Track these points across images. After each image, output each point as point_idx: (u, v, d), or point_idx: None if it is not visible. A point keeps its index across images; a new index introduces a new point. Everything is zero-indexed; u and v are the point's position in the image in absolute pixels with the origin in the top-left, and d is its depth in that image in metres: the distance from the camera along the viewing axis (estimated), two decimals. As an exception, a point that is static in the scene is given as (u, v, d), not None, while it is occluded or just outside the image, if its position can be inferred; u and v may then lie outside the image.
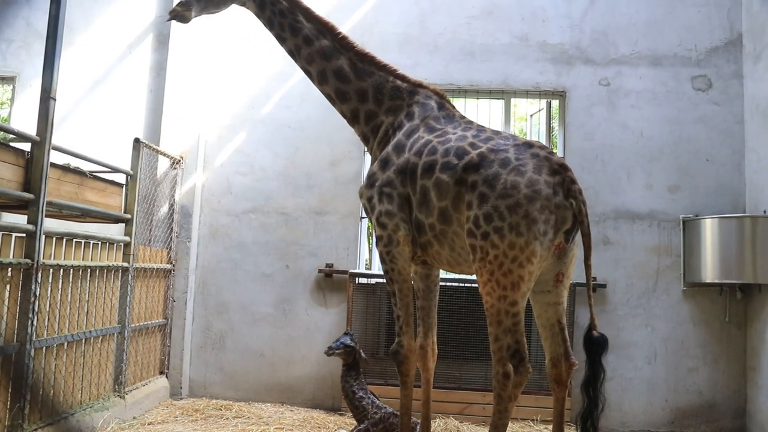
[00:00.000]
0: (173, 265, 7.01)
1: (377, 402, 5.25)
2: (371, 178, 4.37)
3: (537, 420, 6.27)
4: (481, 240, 3.71)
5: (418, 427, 4.86)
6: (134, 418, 5.91)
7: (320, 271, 7.02)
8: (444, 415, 6.25)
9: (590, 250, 3.85)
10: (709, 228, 6.44)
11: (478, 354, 6.44)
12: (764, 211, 6.29)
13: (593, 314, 3.91)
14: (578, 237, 3.89)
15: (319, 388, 6.89)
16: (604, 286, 6.73)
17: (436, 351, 4.62)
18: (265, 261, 7.15)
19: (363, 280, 6.97)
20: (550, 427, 4.29)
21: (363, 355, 5.46)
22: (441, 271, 4.67)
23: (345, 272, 6.93)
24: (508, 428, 3.89)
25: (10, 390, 4.33)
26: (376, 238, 4.35)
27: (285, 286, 7.10)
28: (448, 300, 6.48)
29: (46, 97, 4.65)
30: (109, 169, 5.92)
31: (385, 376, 6.41)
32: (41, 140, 4.60)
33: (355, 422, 5.49)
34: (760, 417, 6.24)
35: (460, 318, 6.53)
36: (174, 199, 7.04)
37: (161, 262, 6.79)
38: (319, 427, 5.94)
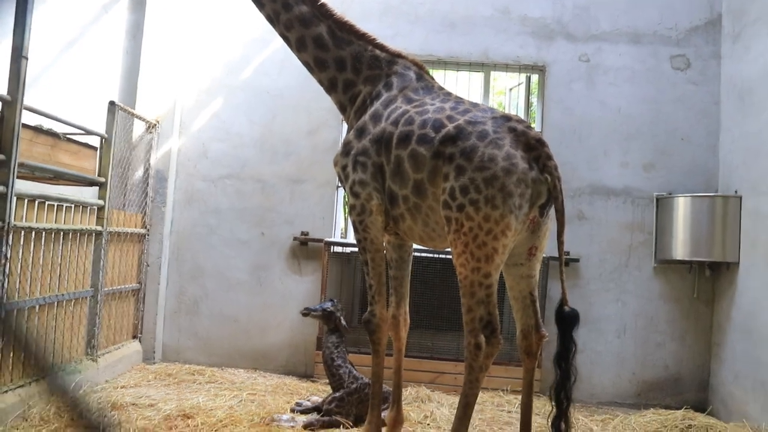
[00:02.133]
0: (148, 230, 6.97)
1: (354, 372, 5.26)
2: (347, 146, 4.33)
3: (507, 390, 6.36)
4: (457, 212, 3.70)
5: (389, 395, 4.89)
6: (107, 381, 5.91)
7: (295, 239, 7.02)
8: (416, 383, 6.27)
9: (564, 225, 3.86)
10: (681, 206, 6.52)
11: (450, 324, 6.49)
12: (735, 191, 6.37)
13: (565, 289, 3.93)
14: (552, 212, 3.92)
15: (293, 355, 6.93)
16: (577, 260, 6.81)
17: (409, 321, 4.62)
18: (240, 227, 7.12)
19: (338, 249, 6.98)
20: (519, 397, 4.34)
21: (344, 323, 5.46)
22: (414, 241, 4.67)
23: (320, 240, 6.93)
24: (478, 398, 3.94)
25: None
26: (349, 207, 4.32)
27: (260, 253, 7.09)
28: (422, 271, 6.52)
29: (18, 56, 4.53)
30: (84, 132, 5.81)
31: (358, 345, 6.45)
32: (12, 100, 4.49)
33: (328, 390, 5.52)
34: (721, 390, 6.41)
35: (434, 289, 6.56)
36: (149, 164, 6.97)
37: (135, 227, 6.74)
38: (292, 393, 5.98)
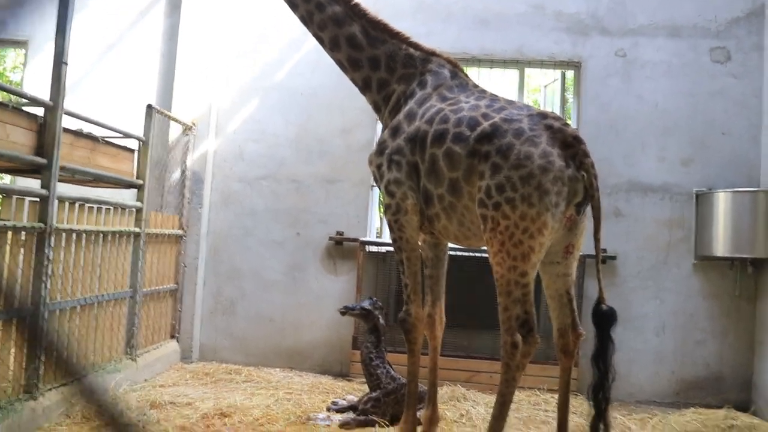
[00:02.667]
0: (185, 231, 7.05)
1: (392, 373, 5.25)
2: (381, 145, 4.33)
3: (543, 389, 6.31)
4: (493, 210, 3.67)
5: (425, 394, 4.87)
6: (145, 380, 5.99)
7: (331, 238, 7.04)
8: (451, 382, 6.27)
9: (600, 222, 3.82)
10: (722, 202, 6.38)
11: (486, 323, 6.41)
12: (779, 186, 6.22)
13: (602, 287, 3.88)
14: (589, 209, 3.88)
15: (328, 354, 6.95)
16: (614, 258, 6.72)
17: (444, 320, 4.61)
18: (276, 228, 7.16)
19: (373, 249, 7.00)
20: (556, 396, 4.30)
21: (382, 321, 5.43)
22: (450, 240, 4.65)
23: (355, 240, 6.95)
24: (514, 396, 3.92)
25: (25, 351, 4.39)
26: (385, 206, 4.32)
27: (295, 253, 7.12)
28: (458, 270, 6.47)
29: (59, 61, 4.63)
30: (122, 135, 5.91)
31: (394, 344, 6.42)
32: (54, 105, 4.59)
33: (364, 389, 5.52)
34: (766, 389, 6.24)
35: (470, 288, 6.53)
36: (186, 165, 7.05)
37: (173, 228, 6.82)
38: (327, 392, 6.00)
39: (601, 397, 3.76)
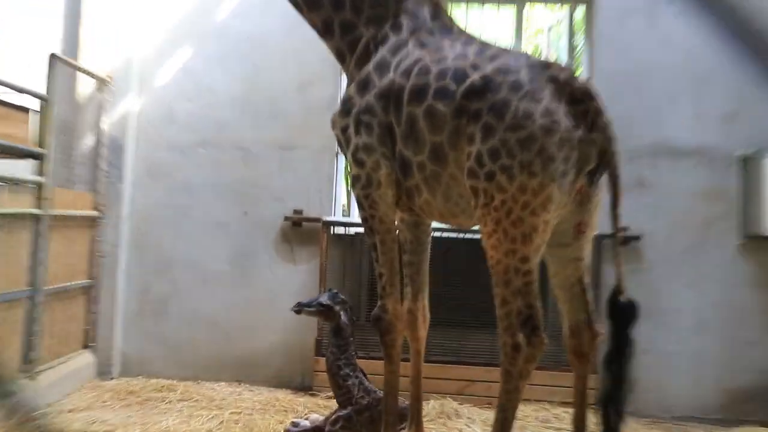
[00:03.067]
0: (101, 212, 6.98)
1: (366, 384, 5.21)
2: (347, 103, 4.38)
3: (554, 402, 6.38)
4: (485, 182, 3.70)
5: (407, 410, 4.87)
6: (49, 404, 5.88)
7: (287, 219, 7.08)
8: (440, 395, 6.35)
9: (619, 195, 3.84)
10: (773, 166, 6.39)
11: (481, 321, 6.44)
12: None
13: (621, 273, 3.87)
14: (605, 179, 3.90)
15: (286, 363, 6.99)
16: (638, 238, 6.74)
17: (428, 317, 4.70)
18: (217, 207, 7.17)
19: (340, 230, 7.09)
20: (570, 410, 4.37)
21: (345, 319, 5.34)
22: (433, 219, 4.68)
23: (317, 220, 6.99)
24: (518, 411, 3.93)
25: None
26: (353, 178, 4.38)
27: (243, 237, 7.15)
28: (444, 254, 6.53)
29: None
30: (16, 90, 5.84)
31: (366, 347, 6.43)
32: None
33: (332, 406, 5.51)
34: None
35: (460, 277, 6.58)
36: (101, 130, 6.98)
37: (85, 209, 6.79)
38: (285, 411, 6.04)
39: (611, 411, 3.78)
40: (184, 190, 7.19)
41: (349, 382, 5.20)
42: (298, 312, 5.39)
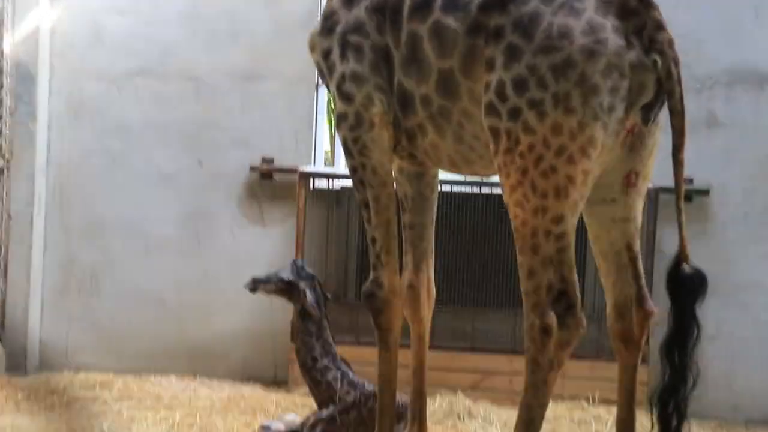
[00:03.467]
0: (8, 162, 6.96)
1: (351, 376, 5.25)
2: (329, 19, 4.30)
3: (593, 399, 6.45)
4: (509, 120, 3.59)
5: (407, 409, 4.83)
6: None
7: (253, 169, 7.11)
8: (449, 389, 6.43)
9: (684, 136, 3.70)
10: None
11: (501, 298, 6.57)
12: None
13: (684, 237, 3.78)
14: (665, 116, 3.89)
15: (254, 352, 7.08)
16: (706, 192, 6.73)
17: (434, 293, 4.67)
18: (163, 154, 7.16)
19: (322, 184, 7.09)
20: (614, 410, 4.39)
21: (311, 298, 5.35)
22: (441, 169, 4.65)
23: (293, 171, 7.01)
24: (547, 410, 3.93)
25: None
26: (337, 116, 4.33)
27: (197, 193, 7.18)
28: (454, 214, 6.54)
29: None
30: None
31: (356, 331, 6.54)
32: None
33: (311, 405, 5.55)
34: None
35: (474, 242, 6.60)
36: (3, 53, 6.93)
37: (-16, 157, 6.74)
38: (254, 411, 6.08)
39: (672, 409, 3.75)
40: (117, 133, 7.16)
41: (329, 377, 5.25)
42: (253, 290, 5.42)
